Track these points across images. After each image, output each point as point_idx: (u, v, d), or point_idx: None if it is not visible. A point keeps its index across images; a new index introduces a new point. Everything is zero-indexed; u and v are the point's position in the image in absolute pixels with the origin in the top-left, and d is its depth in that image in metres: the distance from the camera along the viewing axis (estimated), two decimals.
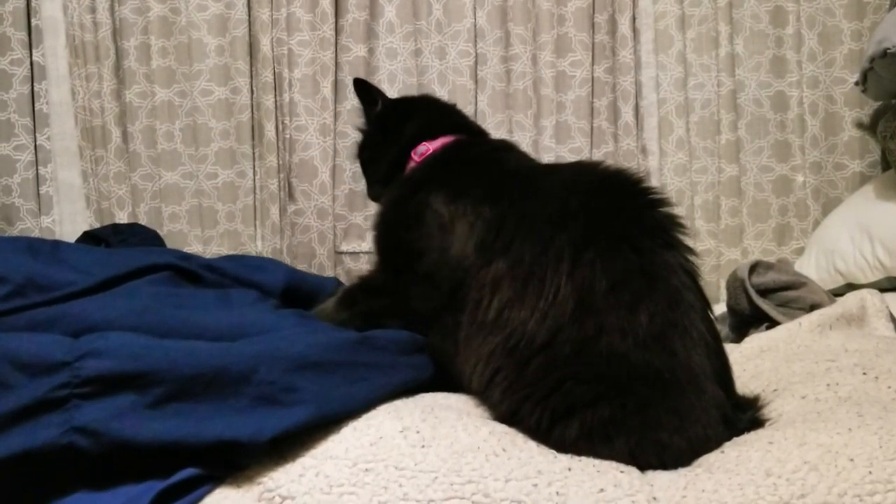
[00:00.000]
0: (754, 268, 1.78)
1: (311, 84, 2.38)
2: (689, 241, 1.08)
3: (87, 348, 0.89)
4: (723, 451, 0.94)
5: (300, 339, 0.99)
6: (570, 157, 2.38)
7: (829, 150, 2.32)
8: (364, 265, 2.40)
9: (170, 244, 2.36)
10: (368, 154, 1.43)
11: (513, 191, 1.14)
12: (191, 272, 1.20)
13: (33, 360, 0.88)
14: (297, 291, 1.33)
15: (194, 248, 2.45)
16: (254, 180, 2.45)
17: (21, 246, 1.20)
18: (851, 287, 1.89)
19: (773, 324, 1.69)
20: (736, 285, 1.78)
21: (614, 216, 1.05)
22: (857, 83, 2.02)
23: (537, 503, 0.84)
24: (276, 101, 2.38)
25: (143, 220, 2.43)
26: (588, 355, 0.96)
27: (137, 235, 2.09)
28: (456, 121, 1.39)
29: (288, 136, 2.39)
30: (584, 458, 0.92)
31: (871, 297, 1.42)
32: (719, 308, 2.12)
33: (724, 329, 1.89)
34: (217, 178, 2.44)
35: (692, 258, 1.06)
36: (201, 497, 0.89)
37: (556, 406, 0.95)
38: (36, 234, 2.39)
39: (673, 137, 2.33)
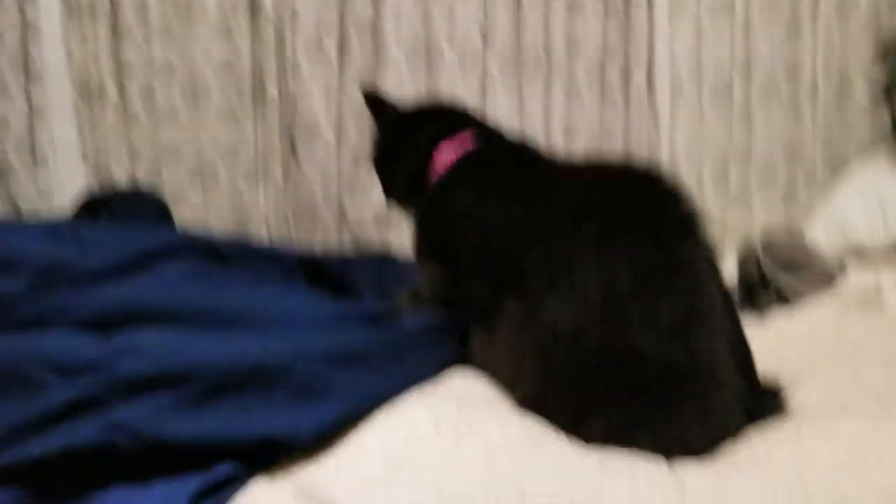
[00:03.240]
0: (767, 242, 1.78)
1: (315, 43, 2.32)
2: (708, 235, 1.08)
3: (121, 347, 0.88)
4: (750, 444, 0.94)
5: (335, 330, 0.98)
6: (581, 122, 2.35)
7: (840, 114, 2.29)
8: (370, 228, 2.37)
9: (170, 203, 2.32)
10: (384, 165, 1.40)
11: (540, 188, 1.14)
12: (218, 251, 1.17)
13: (68, 361, 0.87)
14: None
15: (195, 207, 2.41)
16: (256, 140, 2.39)
17: (42, 228, 1.18)
18: (862, 258, 1.89)
19: (784, 299, 1.70)
20: (748, 256, 1.78)
21: (637, 211, 1.05)
22: None
23: (572, 500, 0.84)
24: (278, 61, 2.32)
25: (141, 179, 2.39)
26: (611, 352, 0.96)
27: (139, 200, 2.06)
28: (472, 125, 1.34)
29: (291, 95, 2.34)
30: (614, 452, 0.92)
31: (886, 277, 1.42)
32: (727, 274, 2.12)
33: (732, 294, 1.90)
34: (218, 137, 2.39)
35: (712, 250, 1.07)
36: (237, 492, 0.88)
37: (580, 404, 0.96)
38: (32, 192, 2.34)
39: (684, 102, 2.30)
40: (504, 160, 1.23)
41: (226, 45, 2.35)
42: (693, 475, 0.89)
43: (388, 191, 1.39)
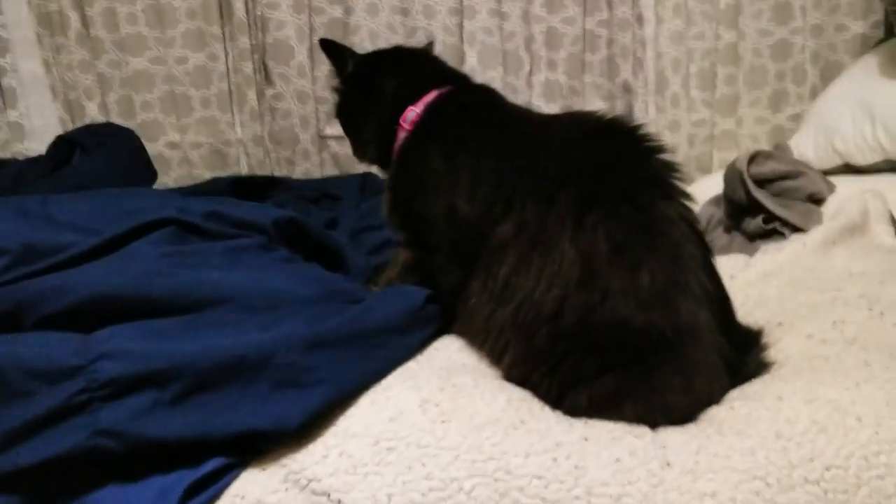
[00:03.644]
0: (753, 158, 1.74)
1: None
2: (686, 188, 1.07)
3: (101, 350, 0.88)
4: (732, 407, 0.95)
5: (316, 312, 0.97)
6: (562, 28, 2.26)
7: (830, 10, 2.21)
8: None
9: (145, 133, 2.27)
10: (348, 117, 1.34)
11: (509, 143, 1.10)
12: (193, 225, 1.15)
13: (48, 367, 0.87)
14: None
15: (170, 136, 2.36)
16: (227, 64, 2.32)
17: (10, 211, 1.14)
18: (849, 167, 1.86)
19: (770, 215, 1.68)
20: (734, 176, 1.75)
21: (613, 171, 1.02)
22: None
23: (558, 477, 0.86)
24: None
25: (113, 111, 2.33)
26: (593, 323, 0.96)
27: (113, 137, 2.01)
28: (433, 71, 1.30)
29: (259, 13, 2.24)
30: (598, 424, 0.93)
31: (872, 200, 1.40)
32: (711, 179, 2.10)
33: (718, 213, 1.89)
34: (187, 62, 2.31)
35: (690, 205, 1.06)
36: (229, 483, 0.90)
37: (563, 377, 0.97)
38: (4, 129, 2.28)
39: (669, 3, 2.21)
40: (473, 118, 1.18)
41: None
42: (676, 443, 0.90)
43: (356, 146, 1.34)
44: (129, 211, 1.19)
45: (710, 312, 0.98)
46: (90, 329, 0.97)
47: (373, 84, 1.27)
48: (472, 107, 1.20)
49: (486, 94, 1.24)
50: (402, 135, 1.21)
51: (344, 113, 1.34)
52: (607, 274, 0.96)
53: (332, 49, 1.33)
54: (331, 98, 1.35)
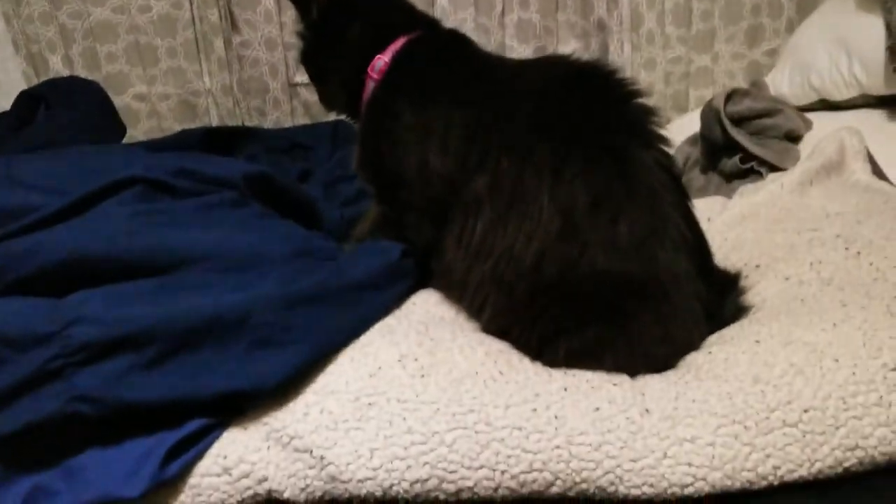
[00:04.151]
0: (730, 96, 1.74)
1: None
2: (663, 132, 1.06)
3: (73, 315, 0.87)
4: (710, 352, 0.96)
5: (288, 274, 0.96)
6: None
7: None
8: None
9: (111, 86, 2.22)
10: (314, 65, 1.30)
11: (481, 92, 1.08)
12: (162, 183, 1.12)
13: (20, 334, 0.86)
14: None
15: (137, 88, 2.31)
16: (192, 11, 2.25)
17: None
18: (826, 103, 1.86)
19: (746, 154, 1.68)
20: (710, 115, 1.75)
21: (589, 120, 1.01)
22: None
23: (538, 428, 0.87)
24: None
25: (77, 63, 2.26)
26: (573, 276, 0.96)
27: (78, 92, 1.96)
28: (400, 15, 1.26)
29: None
30: (577, 374, 0.94)
31: (849, 137, 1.40)
32: (687, 118, 2.10)
33: (694, 153, 1.88)
34: (151, 10, 2.24)
35: (667, 150, 1.06)
36: (211, 443, 0.90)
37: (543, 331, 0.97)
38: None
39: None
40: (443, 68, 1.15)
41: None
42: (654, 389, 0.91)
43: (323, 95, 1.31)
44: (96, 169, 1.16)
45: (689, 259, 0.99)
46: (62, 292, 0.95)
47: (338, 30, 1.23)
48: (442, 56, 1.18)
49: (456, 41, 1.21)
50: (370, 85, 1.18)
51: (310, 60, 1.30)
52: (586, 226, 0.96)
53: None
54: (297, 44, 1.31)
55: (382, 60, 1.17)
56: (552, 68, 1.11)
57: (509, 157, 1.00)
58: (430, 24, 1.26)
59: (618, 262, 0.95)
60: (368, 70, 1.18)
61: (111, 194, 1.09)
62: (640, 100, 1.06)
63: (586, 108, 1.03)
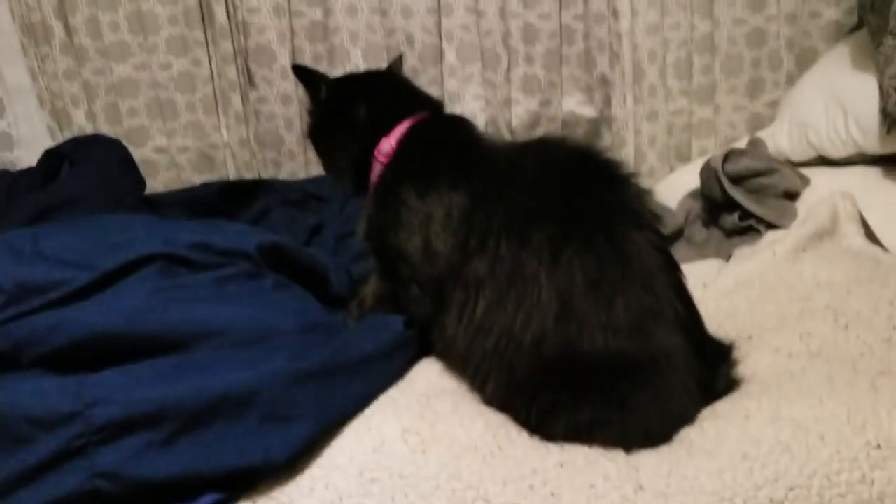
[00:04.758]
0: (728, 155, 1.79)
1: None
2: (657, 215, 1.12)
3: (95, 395, 0.92)
4: (702, 427, 1.01)
5: (296, 350, 1.02)
6: (538, 23, 2.28)
7: (804, 1, 2.24)
8: None
9: (132, 139, 2.31)
10: (322, 142, 1.38)
11: (480, 177, 1.14)
12: (180, 257, 1.19)
13: (46, 414, 0.91)
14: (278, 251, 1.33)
15: (158, 141, 2.39)
16: (210, 68, 2.34)
17: (2, 249, 1.19)
18: (824, 159, 1.90)
19: (745, 212, 1.73)
20: (709, 174, 1.80)
21: (585, 203, 1.06)
22: None
23: None
24: None
25: (100, 118, 2.35)
26: (572, 355, 1.00)
27: (100, 149, 2.05)
28: (405, 98, 1.33)
29: (241, 18, 2.26)
30: (574, 448, 0.99)
31: (842, 202, 1.45)
32: (690, 169, 2.14)
33: (696, 206, 1.93)
34: (171, 67, 2.33)
35: (661, 230, 1.11)
36: None
37: (542, 406, 1.01)
38: None
39: None
40: (446, 153, 1.22)
41: None
42: (648, 465, 0.95)
43: (329, 169, 1.39)
44: (119, 243, 1.24)
45: (683, 336, 1.03)
46: (85, 367, 1.02)
47: (346, 111, 1.30)
48: (444, 141, 1.24)
49: (458, 126, 1.28)
50: (377, 167, 1.25)
51: (318, 137, 1.38)
52: (584, 307, 1.00)
53: (305, 74, 1.36)
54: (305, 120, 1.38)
55: (389, 144, 1.24)
56: (548, 152, 1.16)
57: (508, 240, 1.05)
58: (433, 106, 1.32)
59: (615, 341, 0.99)
60: (375, 153, 1.25)
61: (133, 270, 1.16)
62: (633, 182, 1.12)
63: (581, 191, 1.08)
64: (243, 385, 0.96)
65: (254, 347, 1.04)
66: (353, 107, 1.29)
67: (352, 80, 1.40)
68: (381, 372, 1.07)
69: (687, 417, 1.03)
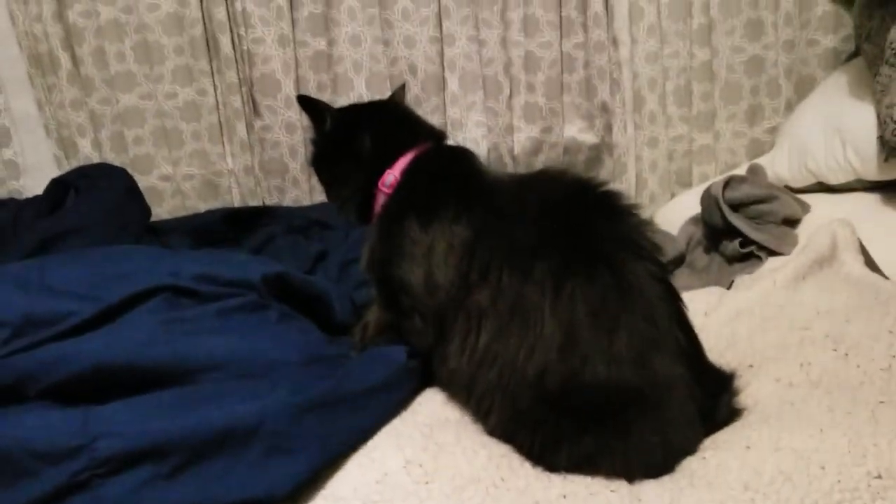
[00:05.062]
0: (728, 182, 1.81)
1: None
2: (657, 246, 1.13)
3: (100, 429, 0.93)
4: (704, 457, 1.01)
5: (299, 383, 1.03)
6: (539, 52, 2.31)
7: (802, 26, 2.26)
8: None
9: (137, 168, 2.33)
10: (327, 172, 1.40)
11: (483, 208, 1.15)
12: (185, 289, 1.21)
13: (51, 448, 0.92)
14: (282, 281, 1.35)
15: (163, 169, 2.42)
16: (216, 97, 2.37)
17: (9, 281, 1.20)
18: (822, 186, 1.92)
19: (746, 239, 1.74)
20: (710, 201, 1.82)
21: (586, 236, 1.07)
22: None
23: None
24: (228, 12, 2.25)
25: (106, 147, 2.38)
26: (574, 386, 1.01)
27: (105, 178, 2.07)
28: (408, 129, 1.35)
29: (245, 48, 2.29)
30: (576, 479, 0.99)
31: (841, 230, 1.46)
32: (690, 195, 2.16)
33: (698, 232, 1.95)
34: (177, 97, 2.36)
35: (661, 261, 1.12)
36: None
37: (545, 438, 1.02)
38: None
39: (644, 24, 2.26)
40: (448, 185, 1.23)
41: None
42: (650, 496, 0.96)
43: (332, 197, 1.40)
44: (125, 274, 1.25)
45: (685, 366, 1.04)
46: (91, 398, 1.03)
47: (350, 142, 1.32)
48: (447, 173, 1.26)
49: (459, 158, 1.29)
50: (381, 198, 1.27)
51: (322, 167, 1.40)
52: (587, 339, 1.01)
53: (310, 105, 1.38)
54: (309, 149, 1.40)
55: (392, 175, 1.26)
56: (549, 185, 1.18)
57: (510, 272, 1.06)
58: (436, 137, 1.34)
59: (617, 372, 1.00)
60: (379, 184, 1.26)
61: (139, 303, 1.17)
62: (634, 213, 1.13)
63: (583, 223, 1.09)
64: (247, 418, 0.97)
65: (257, 380, 1.06)
66: (357, 138, 1.31)
67: (356, 110, 1.42)
68: (384, 403, 1.08)
69: (689, 448, 1.04)
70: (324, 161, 1.39)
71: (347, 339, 1.33)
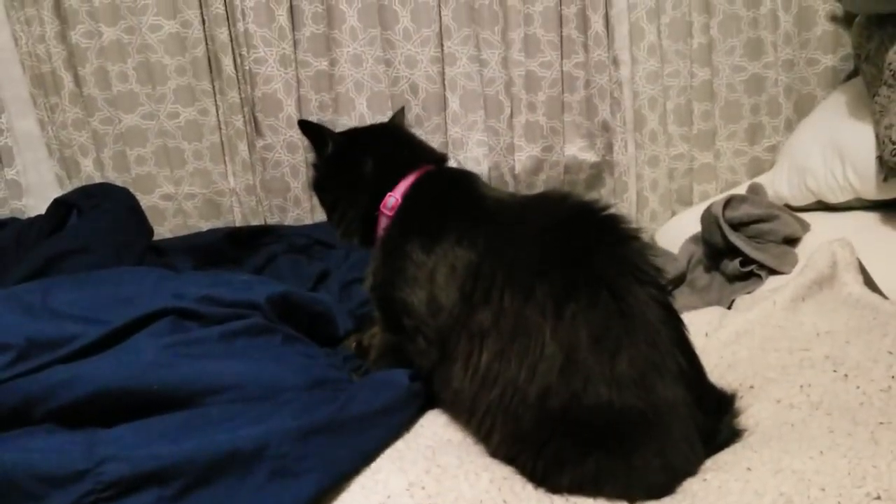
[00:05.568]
0: (728, 202, 1.81)
1: (266, 12, 2.26)
2: (658, 269, 1.13)
3: (105, 453, 0.94)
4: (705, 479, 1.02)
5: (303, 406, 1.03)
6: (540, 71, 2.33)
7: (801, 45, 2.28)
8: None
9: (140, 187, 2.34)
10: (329, 195, 1.41)
11: (485, 230, 1.16)
12: (190, 311, 1.21)
13: (56, 471, 0.92)
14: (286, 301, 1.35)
15: (165, 189, 2.43)
16: (217, 117, 2.38)
17: (13, 304, 1.21)
18: (822, 204, 1.92)
19: (746, 258, 1.75)
20: (710, 221, 1.82)
21: (588, 259, 1.08)
22: None
23: None
24: (230, 33, 2.27)
25: (108, 166, 2.39)
26: (576, 409, 1.02)
27: (107, 198, 2.08)
28: (409, 151, 1.36)
29: (247, 69, 2.30)
30: (579, 501, 1.00)
31: (840, 250, 1.46)
32: (691, 213, 2.17)
33: (698, 251, 1.95)
34: (179, 116, 2.37)
35: (663, 285, 1.13)
36: None
37: (547, 459, 1.03)
38: (1, 187, 2.34)
39: (644, 44, 2.28)
40: (450, 208, 1.24)
41: (174, 20, 2.28)
42: None
43: (332, 220, 1.41)
44: (129, 297, 1.26)
45: (686, 388, 1.05)
46: (96, 421, 1.04)
47: (352, 166, 1.33)
48: (449, 195, 1.27)
49: (461, 180, 1.30)
50: (383, 221, 1.27)
51: (324, 190, 1.41)
52: (588, 362, 1.02)
53: (311, 129, 1.39)
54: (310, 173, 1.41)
55: (394, 198, 1.27)
56: (551, 208, 1.19)
57: (512, 294, 1.07)
58: (437, 160, 1.35)
59: (619, 395, 1.00)
60: (381, 207, 1.27)
61: (143, 326, 1.18)
62: (635, 237, 1.14)
63: (584, 247, 1.10)
64: (251, 441, 0.98)
65: (262, 403, 1.06)
66: (359, 161, 1.32)
67: (357, 134, 1.43)
68: (388, 426, 1.09)
69: (690, 469, 1.04)
70: (325, 185, 1.40)
71: (351, 354, 1.33)
